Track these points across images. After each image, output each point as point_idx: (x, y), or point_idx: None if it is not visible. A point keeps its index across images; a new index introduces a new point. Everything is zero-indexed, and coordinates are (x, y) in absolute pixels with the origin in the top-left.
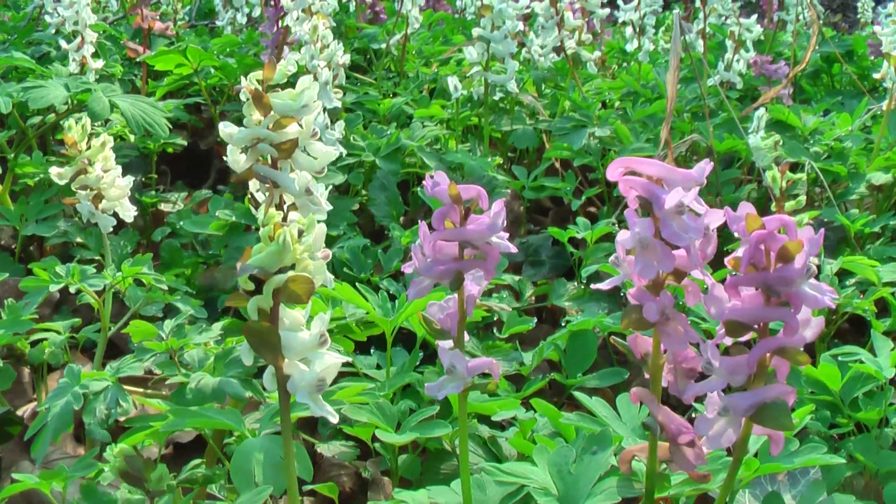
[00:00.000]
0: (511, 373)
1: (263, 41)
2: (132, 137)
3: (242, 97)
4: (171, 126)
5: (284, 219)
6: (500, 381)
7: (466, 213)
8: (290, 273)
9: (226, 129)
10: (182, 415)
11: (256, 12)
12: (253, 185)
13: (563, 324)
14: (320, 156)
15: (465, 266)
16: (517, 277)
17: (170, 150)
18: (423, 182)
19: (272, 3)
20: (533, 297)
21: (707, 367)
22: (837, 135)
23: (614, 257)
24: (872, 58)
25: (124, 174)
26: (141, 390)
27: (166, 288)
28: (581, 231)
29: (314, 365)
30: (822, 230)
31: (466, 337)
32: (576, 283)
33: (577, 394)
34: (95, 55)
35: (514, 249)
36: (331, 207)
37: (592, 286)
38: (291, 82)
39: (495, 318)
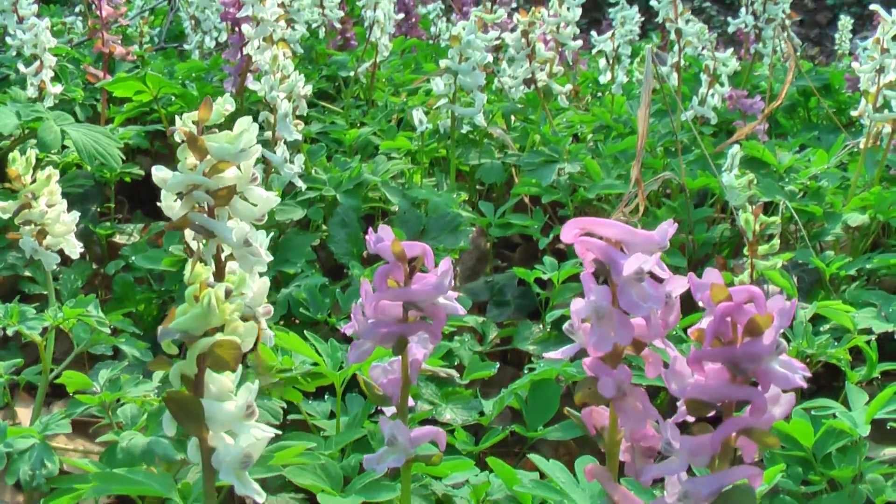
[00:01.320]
0: (471, 422)
1: (226, 69)
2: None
3: (177, 138)
4: (125, 156)
5: (221, 271)
6: (458, 432)
7: (411, 271)
8: (217, 337)
9: (159, 172)
10: (108, 480)
11: (225, 36)
12: (189, 233)
13: (525, 370)
14: (260, 203)
15: (410, 329)
16: (481, 319)
17: (127, 178)
18: (367, 236)
19: (236, 29)
20: (497, 339)
21: (667, 448)
22: (813, 173)
23: (568, 325)
24: (849, 92)
25: (80, 204)
26: (78, 445)
27: (109, 331)
28: (548, 271)
29: (240, 439)
30: (794, 302)
31: (411, 402)
32: (541, 326)
33: (534, 457)
34: (55, 79)
35: (462, 311)
36: (270, 258)
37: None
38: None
39: (456, 363)
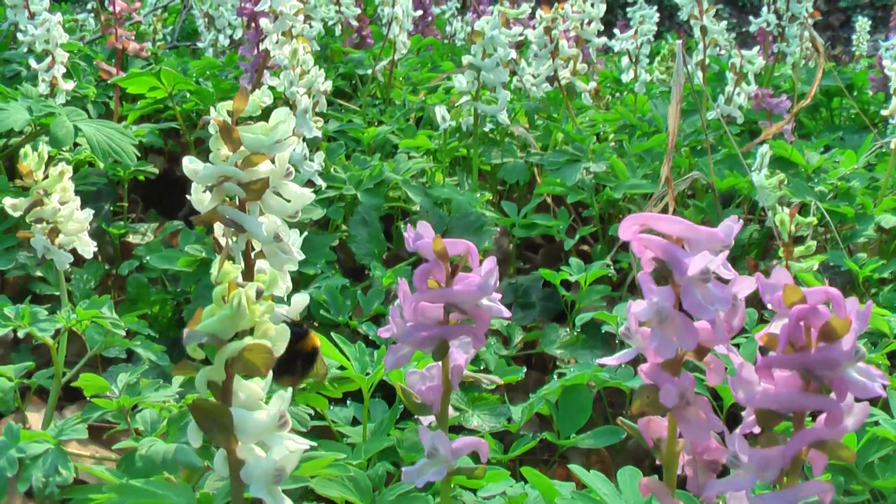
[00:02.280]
0: (499, 429)
1: (242, 65)
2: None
3: (211, 130)
4: (140, 153)
5: (250, 269)
6: (487, 439)
7: (453, 270)
8: (247, 341)
9: (190, 164)
10: (125, 492)
11: (239, 34)
12: (218, 228)
13: (555, 376)
14: (294, 198)
15: (451, 332)
16: (506, 322)
17: (141, 177)
18: (405, 233)
19: (252, 25)
20: (522, 343)
21: (733, 462)
22: (842, 173)
23: (625, 328)
24: (872, 92)
25: (92, 202)
26: (91, 451)
27: (123, 333)
28: (574, 273)
29: (272, 451)
30: (870, 304)
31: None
32: (568, 329)
33: (575, 468)
34: (67, 76)
35: (507, 314)
36: (302, 257)
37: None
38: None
39: (482, 367)
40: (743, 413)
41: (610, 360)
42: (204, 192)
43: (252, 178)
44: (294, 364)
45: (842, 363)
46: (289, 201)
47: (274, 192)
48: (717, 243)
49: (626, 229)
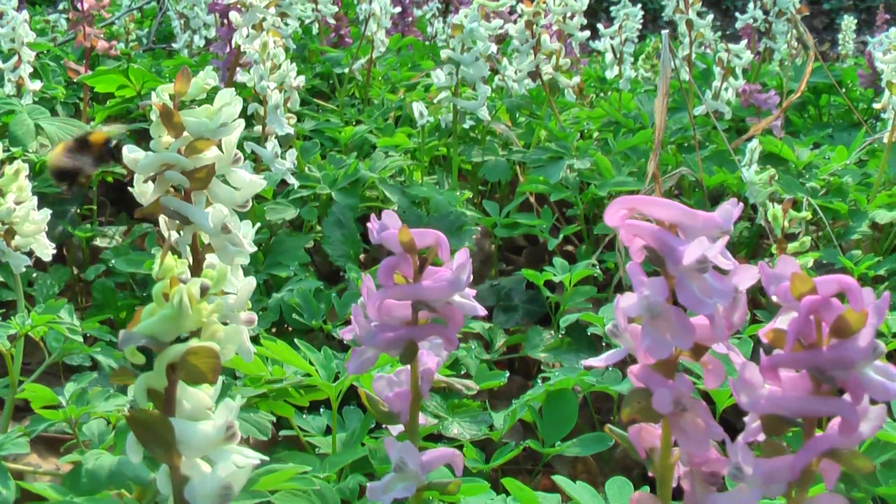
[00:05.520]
0: (480, 437)
1: (214, 63)
2: None
3: (151, 116)
4: None
5: (198, 264)
6: (467, 448)
7: (422, 264)
8: (192, 343)
9: (130, 153)
10: None
11: (214, 33)
12: (163, 222)
13: (539, 380)
14: (243, 186)
15: (420, 333)
16: (487, 325)
17: (109, 178)
18: (370, 224)
19: (225, 21)
20: (504, 347)
21: (735, 474)
22: (834, 169)
23: (612, 326)
24: (862, 89)
25: (58, 205)
26: (50, 464)
27: (81, 339)
28: (559, 274)
29: (218, 467)
30: (887, 296)
31: (422, 419)
32: (552, 332)
33: (559, 479)
34: (35, 76)
35: (482, 311)
36: (254, 249)
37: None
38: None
39: (462, 372)
40: (745, 419)
41: (596, 362)
42: (146, 182)
43: (196, 165)
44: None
45: (857, 362)
46: (238, 189)
47: (221, 180)
48: (715, 229)
49: (614, 214)
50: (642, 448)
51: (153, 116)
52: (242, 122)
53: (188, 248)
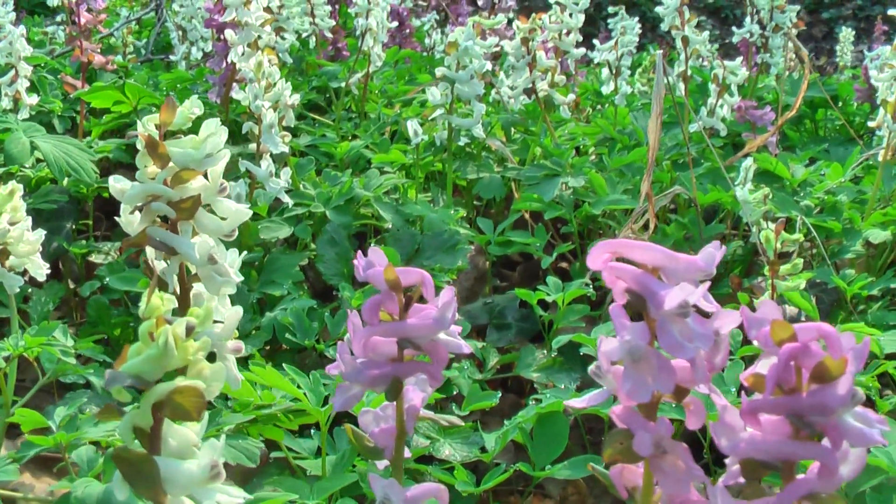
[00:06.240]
0: (471, 459)
1: (210, 78)
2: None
3: (138, 145)
4: (104, 170)
5: (185, 294)
6: (458, 470)
7: (407, 302)
8: (177, 382)
9: (116, 183)
10: None
11: (210, 47)
12: (150, 252)
13: (531, 401)
14: (230, 216)
15: (405, 370)
16: (480, 344)
17: (106, 194)
18: (355, 261)
19: (221, 37)
20: (497, 366)
21: None
22: (829, 187)
23: (595, 367)
24: (858, 103)
25: (53, 220)
26: (44, 485)
27: (74, 361)
28: (552, 293)
29: None
30: (867, 340)
31: (407, 452)
32: (545, 351)
33: None
34: (31, 90)
35: (467, 349)
36: (240, 278)
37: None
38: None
39: (455, 392)
40: (727, 461)
41: (578, 403)
42: (132, 212)
43: (182, 195)
44: None
45: (837, 408)
46: (224, 219)
47: (207, 209)
48: (698, 272)
49: (597, 258)
50: (623, 487)
51: (139, 146)
52: (228, 152)
53: (175, 278)
